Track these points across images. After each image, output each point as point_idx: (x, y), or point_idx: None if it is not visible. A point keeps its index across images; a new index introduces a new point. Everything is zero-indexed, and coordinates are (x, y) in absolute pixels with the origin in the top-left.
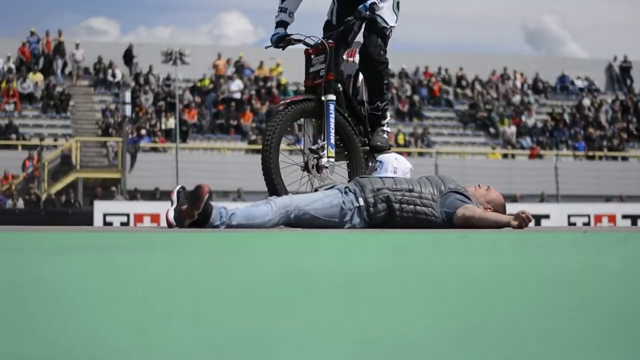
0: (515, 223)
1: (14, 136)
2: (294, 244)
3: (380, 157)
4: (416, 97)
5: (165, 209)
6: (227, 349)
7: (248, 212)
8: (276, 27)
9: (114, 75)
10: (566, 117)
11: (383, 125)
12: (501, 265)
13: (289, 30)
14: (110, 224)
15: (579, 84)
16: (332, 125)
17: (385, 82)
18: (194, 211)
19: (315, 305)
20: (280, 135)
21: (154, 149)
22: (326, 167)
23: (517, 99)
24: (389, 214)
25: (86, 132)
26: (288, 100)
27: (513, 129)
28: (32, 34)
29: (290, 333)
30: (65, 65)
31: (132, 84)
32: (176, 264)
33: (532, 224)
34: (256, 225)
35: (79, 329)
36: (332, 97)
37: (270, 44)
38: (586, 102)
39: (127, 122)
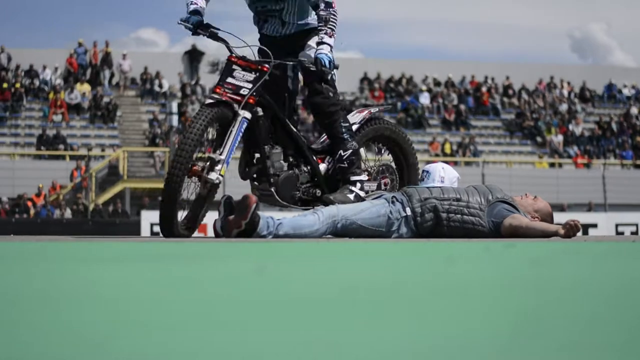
0: (563, 232)
1: (62, 146)
2: (341, 253)
3: (427, 166)
4: (462, 106)
5: (213, 219)
6: (277, 358)
7: (295, 222)
8: (192, 13)
9: (160, 86)
10: (613, 125)
11: (353, 181)
12: (551, 275)
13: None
14: (158, 233)
15: (627, 92)
16: (236, 143)
17: (344, 127)
18: (242, 221)
19: (364, 315)
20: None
21: (201, 159)
22: (214, 183)
23: (564, 107)
24: (436, 223)
25: (133, 142)
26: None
27: (560, 137)
28: (80, 45)
29: (339, 342)
30: (112, 75)
31: (179, 94)
32: (224, 274)
33: (579, 233)
34: (303, 235)
35: (128, 338)
36: (249, 115)
37: (184, 22)
38: (634, 110)
39: (174, 132)
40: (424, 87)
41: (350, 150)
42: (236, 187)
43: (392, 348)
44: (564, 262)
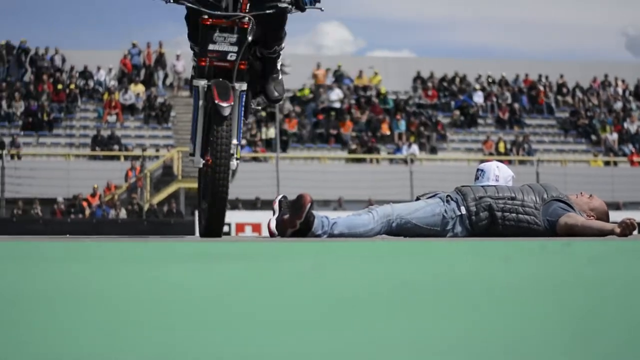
0: (619, 231)
1: (116, 147)
2: (397, 253)
3: (482, 165)
4: (516, 105)
5: (267, 219)
6: (340, 358)
7: (350, 221)
8: None
9: None
10: None
11: (278, 70)
12: (608, 274)
13: None
14: None
15: None
16: (242, 122)
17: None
18: (296, 220)
19: (422, 314)
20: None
21: (255, 159)
22: (234, 170)
23: (618, 105)
24: (491, 222)
25: (187, 142)
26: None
27: (615, 135)
28: (134, 45)
29: (398, 342)
30: (166, 76)
31: None
32: (279, 273)
33: (635, 231)
34: (358, 234)
35: (183, 338)
36: (245, 86)
37: None
38: None
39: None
40: (477, 86)
41: (283, 46)
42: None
43: (449, 347)
44: (620, 261)
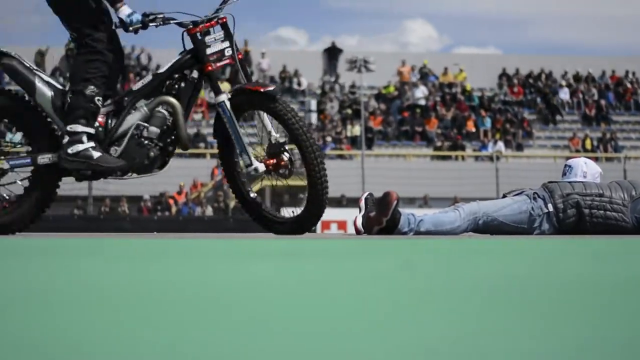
0: None
1: (202, 145)
2: (483, 250)
3: (570, 161)
4: (603, 102)
5: (353, 216)
6: (429, 354)
7: (436, 219)
8: (130, 15)
9: (299, 84)
10: None
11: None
12: None
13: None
14: None
15: None
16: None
17: None
18: (382, 218)
19: (516, 312)
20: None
21: (340, 156)
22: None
23: None
24: (578, 219)
25: None
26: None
27: None
28: None
29: (491, 339)
30: (251, 74)
31: (318, 91)
32: (367, 270)
33: None
34: (444, 231)
35: (275, 334)
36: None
37: (133, 27)
38: None
39: (312, 130)
40: (563, 83)
41: None
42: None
43: (538, 345)
44: None
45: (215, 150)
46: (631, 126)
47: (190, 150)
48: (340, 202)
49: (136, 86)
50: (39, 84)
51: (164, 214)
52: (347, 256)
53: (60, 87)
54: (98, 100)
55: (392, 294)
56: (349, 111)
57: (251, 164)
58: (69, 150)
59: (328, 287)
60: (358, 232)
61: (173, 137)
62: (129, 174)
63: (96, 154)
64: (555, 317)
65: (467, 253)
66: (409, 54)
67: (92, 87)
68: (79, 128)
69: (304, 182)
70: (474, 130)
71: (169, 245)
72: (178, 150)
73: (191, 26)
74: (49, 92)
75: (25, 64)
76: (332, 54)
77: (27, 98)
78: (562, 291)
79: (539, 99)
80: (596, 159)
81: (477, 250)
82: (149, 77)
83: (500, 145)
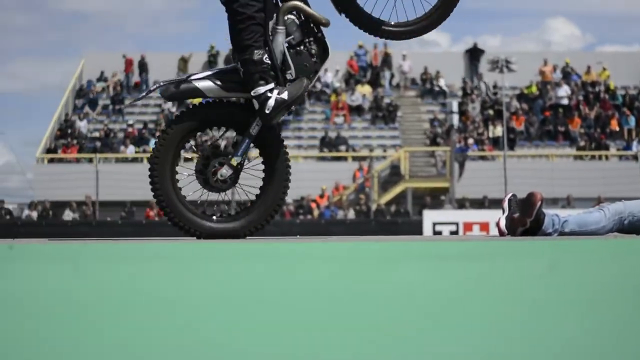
0: None
1: (343, 148)
2: (631, 251)
3: None
4: None
5: (496, 217)
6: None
7: (581, 219)
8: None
9: (440, 85)
10: None
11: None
12: None
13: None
14: (440, 232)
15: None
16: None
17: None
18: (527, 219)
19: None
20: None
21: (482, 157)
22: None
23: None
24: None
25: (414, 142)
26: None
27: None
28: (360, 46)
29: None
30: (392, 76)
31: (459, 93)
32: (514, 272)
33: None
34: (589, 232)
35: (388, 337)
36: None
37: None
38: None
39: (454, 131)
40: None
41: None
42: None
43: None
44: None
45: (356, 153)
46: None
47: (331, 154)
48: (483, 203)
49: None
50: (198, 85)
51: (305, 217)
52: (490, 258)
53: (211, 72)
54: (266, 58)
55: (540, 296)
56: (491, 112)
57: None
58: (266, 111)
59: (474, 289)
60: (502, 233)
61: (314, 25)
62: (313, 77)
63: (285, 94)
64: None
65: (613, 254)
66: (551, 53)
67: (256, 50)
68: (261, 90)
69: (445, 184)
70: (617, 129)
71: (314, 248)
72: (320, 154)
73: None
74: (210, 83)
75: (174, 80)
76: (474, 54)
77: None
78: None
79: None
80: None
81: (624, 251)
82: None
83: None
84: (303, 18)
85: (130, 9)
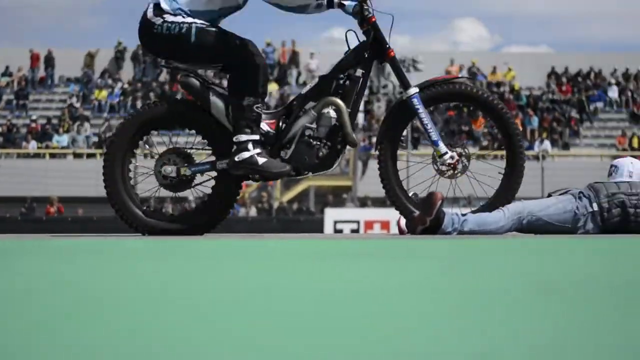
0: None
1: None
2: (527, 249)
3: (615, 161)
4: None
5: (397, 216)
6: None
7: (480, 219)
8: None
9: None
10: None
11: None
12: None
13: None
14: (341, 231)
15: None
16: None
17: None
18: (427, 218)
19: (553, 309)
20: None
21: None
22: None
23: None
24: (623, 219)
25: None
26: None
27: None
28: (268, 44)
29: (528, 340)
30: (299, 74)
31: (366, 92)
32: (411, 270)
33: None
34: (488, 231)
35: (315, 331)
36: None
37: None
38: None
39: (359, 130)
40: (612, 81)
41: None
42: None
43: (564, 345)
44: None
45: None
46: None
47: None
48: (384, 202)
49: (304, 90)
50: (212, 98)
51: None
52: (390, 256)
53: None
54: (257, 107)
55: (434, 294)
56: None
57: (447, 152)
58: (236, 158)
59: (373, 287)
60: (402, 232)
61: (340, 137)
62: (303, 174)
63: (261, 160)
64: (591, 319)
65: (511, 253)
66: (458, 53)
67: (249, 97)
68: (243, 137)
69: (348, 182)
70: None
71: (209, 246)
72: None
73: (370, 14)
74: (221, 104)
75: (199, 79)
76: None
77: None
78: (603, 291)
79: (584, 99)
80: None
81: (521, 250)
82: (315, 80)
83: (547, 144)
84: (337, 123)
85: (38, 4)
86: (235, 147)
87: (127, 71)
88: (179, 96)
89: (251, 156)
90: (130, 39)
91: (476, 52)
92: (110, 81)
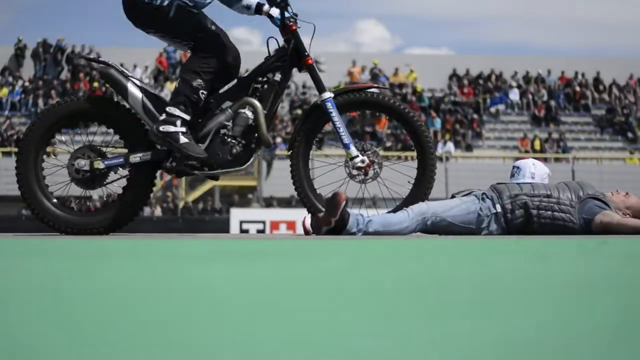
0: None
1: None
2: (432, 250)
3: (518, 162)
4: (552, 102)
5: (302, 216)
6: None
7: (385, 220)
8: None
9: None
10: None
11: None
12: None
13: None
14: (247, 231)
15: None
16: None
17: None
18: (331, 218)
19: (452, 312)
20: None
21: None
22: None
23: None
24: (526, 220)
25: None
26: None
27: None
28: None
29: (429, 341)
30: None
31: None
32: (315, 271)
33: None
34: (393, 232)
35: (229, 335)
36: None
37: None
38: None
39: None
40: (513, 83)
41: None
42: None
43: (475, 346)
44: None
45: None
46: (580, 127)
47: None
48: (290, 202)
49: (223, 89)
50: (131, 88)
51: None
52: (295, 256)
53: (151, 90)
54: (202, 93)
55: (338, 295)
56: (299, 111)
57: (358, 156)
58: (161, 128)
59: (275, 288)
60: (307, 232)
61: (255, 137)
62: (216, 170)
63: (183, 140)
64: (495, 318)
65: (414, 253)
66: (360, 55)
67: (200, 80)
68: (176, 112)
69: (253, 182)
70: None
71: (121, 246)
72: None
73: (291, 23)
74: (139, 95)
75: (119, 69)
76: None
77: (119, 101)
78: (506, 291)
79: (488, 101)
80: (545, 160)
81: (425, 251)
82: (234, 81)
83: (450, 145)
84: (253, 124)
85: None
86: (164, 115)
87: (28, 69)
88: (81, 94)
89: (176, 132)
90: (30, 36)
91: (378, 54)
92: (10, 79)
